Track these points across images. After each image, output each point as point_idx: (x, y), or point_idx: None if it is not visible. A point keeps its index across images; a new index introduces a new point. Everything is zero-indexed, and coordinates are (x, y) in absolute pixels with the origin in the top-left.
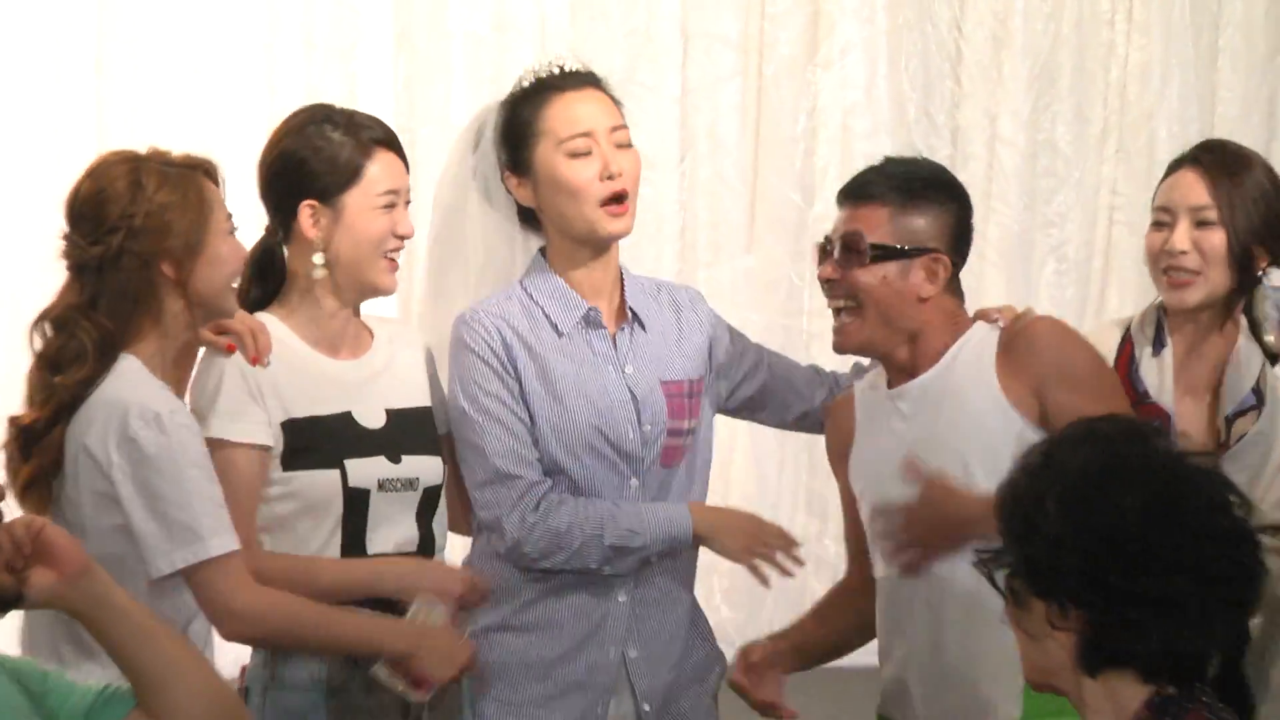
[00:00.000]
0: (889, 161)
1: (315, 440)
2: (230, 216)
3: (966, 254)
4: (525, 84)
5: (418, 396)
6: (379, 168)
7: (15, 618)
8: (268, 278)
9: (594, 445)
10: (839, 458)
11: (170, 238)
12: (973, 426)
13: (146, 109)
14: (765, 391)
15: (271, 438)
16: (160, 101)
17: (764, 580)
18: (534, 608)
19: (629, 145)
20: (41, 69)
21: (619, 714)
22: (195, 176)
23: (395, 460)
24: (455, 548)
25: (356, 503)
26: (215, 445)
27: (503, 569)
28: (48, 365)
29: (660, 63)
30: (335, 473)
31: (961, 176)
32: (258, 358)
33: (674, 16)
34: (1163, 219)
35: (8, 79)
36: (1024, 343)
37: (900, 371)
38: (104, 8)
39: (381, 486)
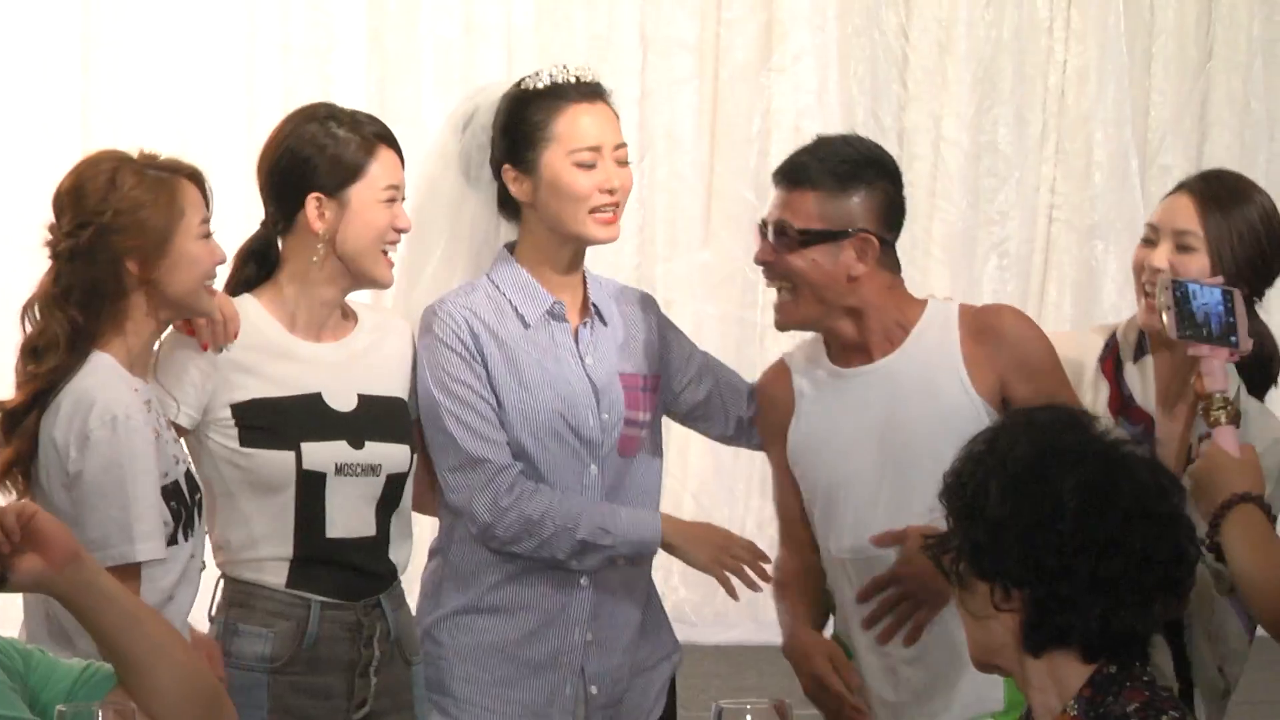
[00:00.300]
0: (820, 143)
1: (274, 421)
2: (206, 220)
3: (899, 229)
4: (540, 85)
5: (394, 385)
6: (381, 163)
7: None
8: (262, 264)
9: (557, 431)
10: (775, 434)
11: (137, 235)
12: (942, 412)
13: (129, 107)
14: (711, 397)
15: (191, 420)
16: (142, 100)
17: (731, 591)
18: (500, 590)
19: (626, 162)
20: (29, 70)
21: (566, 694)
22: (174, 180)
23: (357, 445)
24: (425, 530)
25: (312, 485)
26: None
27: (470, 553)
28: (27, 352)
29: (620, 66)
30: (290, 454)
31: (908, 176)
32: (208, 344)
33: (634, 22)
34: (1150, 236)
35: None
36: (992, 334)
37: (853, 350)
38: (89, 13)
39: (339, 470)
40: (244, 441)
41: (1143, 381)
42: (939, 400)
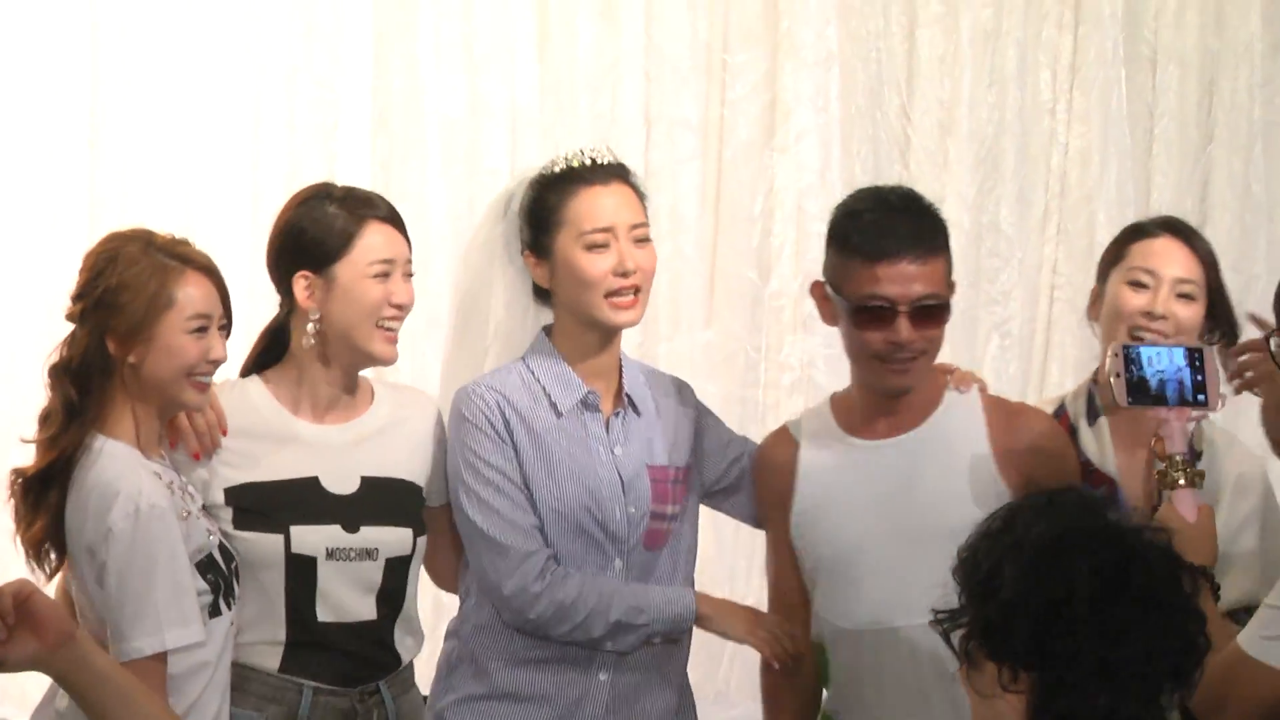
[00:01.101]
0: (903, 201)
1: (265, 504)
2: (204, 316)
3: None
4: (557, 169)
5: (406, 468)
6: (370, 238)
7: None
8: (274, 348)
9: (582, 524)
10: (776, 502)
11: (117, 315)
12: (966, 493)
13: (137, 184)
14: (743, 478)
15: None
16: (149, 177)
17: (772, 658)
18: (515, 677)
19: (647, 240)
20: (37, 147)
21: None
22: (176, 268)
23: (352, 530)
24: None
25: (302, 570)
26: None
27: (487, 637)
28: (40, 420)
29: (624, 145)
30: (279, 538)
31: None
32: (199, 454)
33: (638, 101)
34: (1143, 280)
35: (6, 156)
36: (1026, 430)
37: (881, 418)
38: (98, 89)
39: (331, 555)
40: (236, 524)
41: (1099, 444)
42: (964, 480)
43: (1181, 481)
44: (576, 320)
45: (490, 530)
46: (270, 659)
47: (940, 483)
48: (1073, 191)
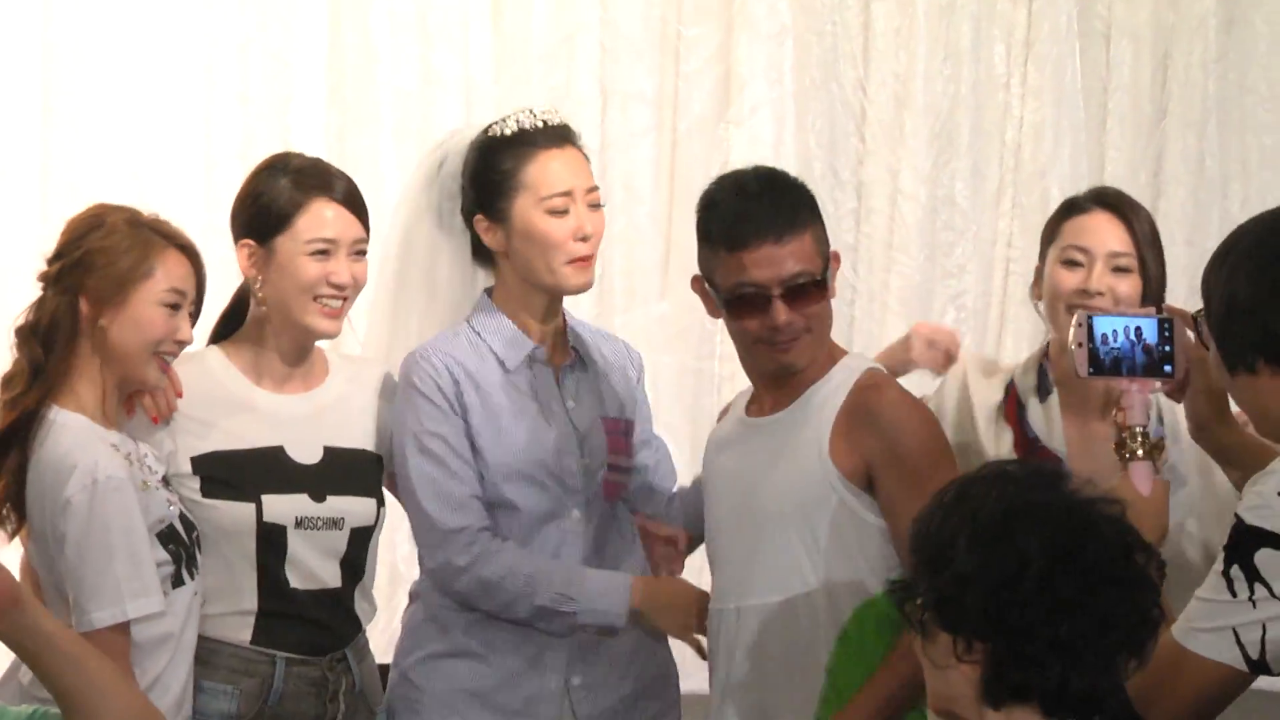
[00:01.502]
0: (761, 184)
1: (234, 473)
2: (179, 294)
3: None
4: (507, 132)
5: (363, 438)
6: (314, 216)
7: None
8: (238, 314)
9: (536, 477)
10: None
11: (96, 276)
12: (794, 475)
13: (89, 157)
14: (657, 466)
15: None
16: (102, 148)
17: (701, 653)
18: (475, 634)
19: (599, 205)
20: None
21: None
22: (159, 242)
23: (319, 499)
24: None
25: (272, 538)
26: None
27: (449, 598)
28: (4, 381)
29: (579, 118)
30: (250, 506)
31: (865, 229)
32: (157, 417)
33: (592, 74)
34: (1076, 258)
35: None
36: (867, 417)
37: (775, 395)
38: (49, 59)
39: (299, 524)
40: (204, 493)
41: (1047, 420)
42: (793, 463)
43: (1140, 454)
44: (526, 283)
45: (424, 501)
46: (240, 631)
47: (776, 466)
48: (1027, 166)
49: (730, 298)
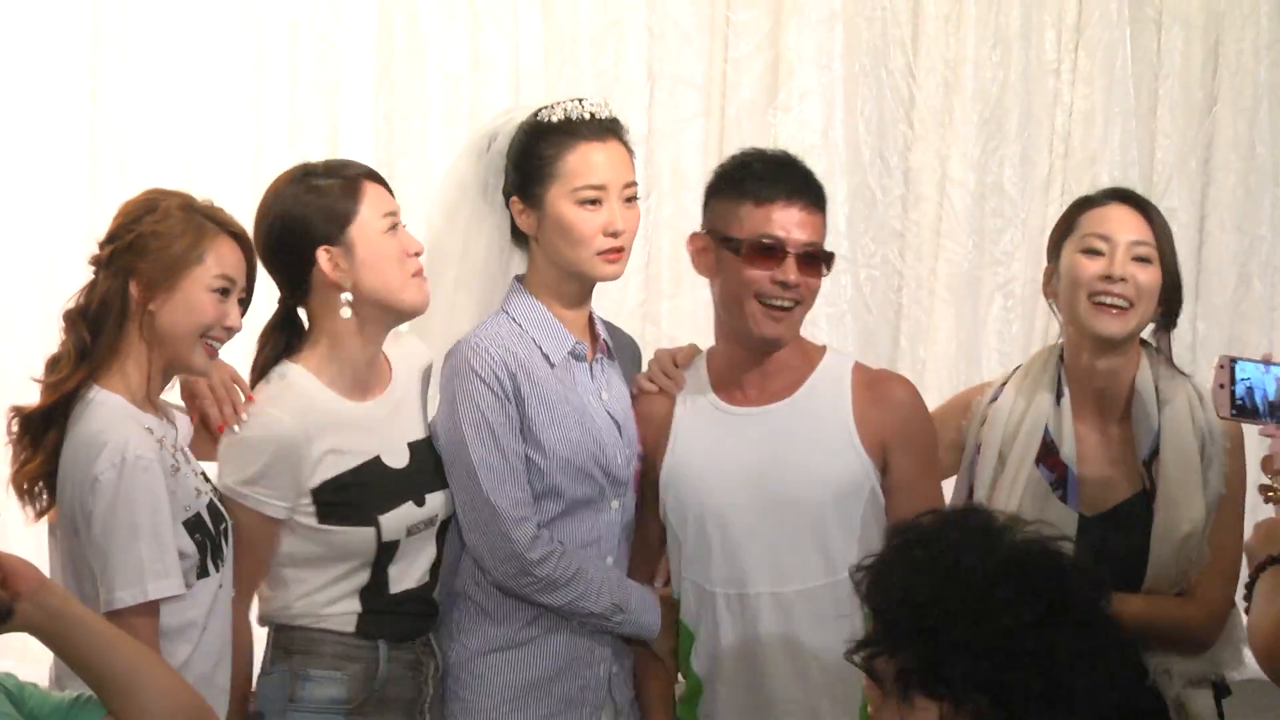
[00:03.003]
0: (785, 158)
1: (349, 496)
2: (228, 280)
3: None
4: (554, 119)
5: (425, 426)
6: (371, 198)
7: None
8: (287, 339)
9: (587, 469)
10: (650, 452)
11: (148, 259)
12: (829, 465)
13: (137, 139)
14: None
15: (285, 511)
16: (150, 132)
17: (674, 665)
18: (531, 627)
19: (635, 199)
20: (37, 101)
21: None
22: (212, 229)
23: (420, 503)
24: None
25: (387, 550)
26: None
27: (497, 592)
28: (48, 364)
29: (627, 103)
30: (370, 530)
31: (913, 216)
32: (223, 426)
33: (641, 59)
34: (1099, 247)
35: (7, 109)
36: (885, 400)
37: (754, 381)
38: (97, 45)
39: (410, 533)
40: (321, 517)
41: (1058, 424)
42: (827, 453)
43: None
44: (558, 270)
45: (489, 491)
46: (345, 624)
47: (806, 455)
48: (1076, 152)
49: (750, 244)
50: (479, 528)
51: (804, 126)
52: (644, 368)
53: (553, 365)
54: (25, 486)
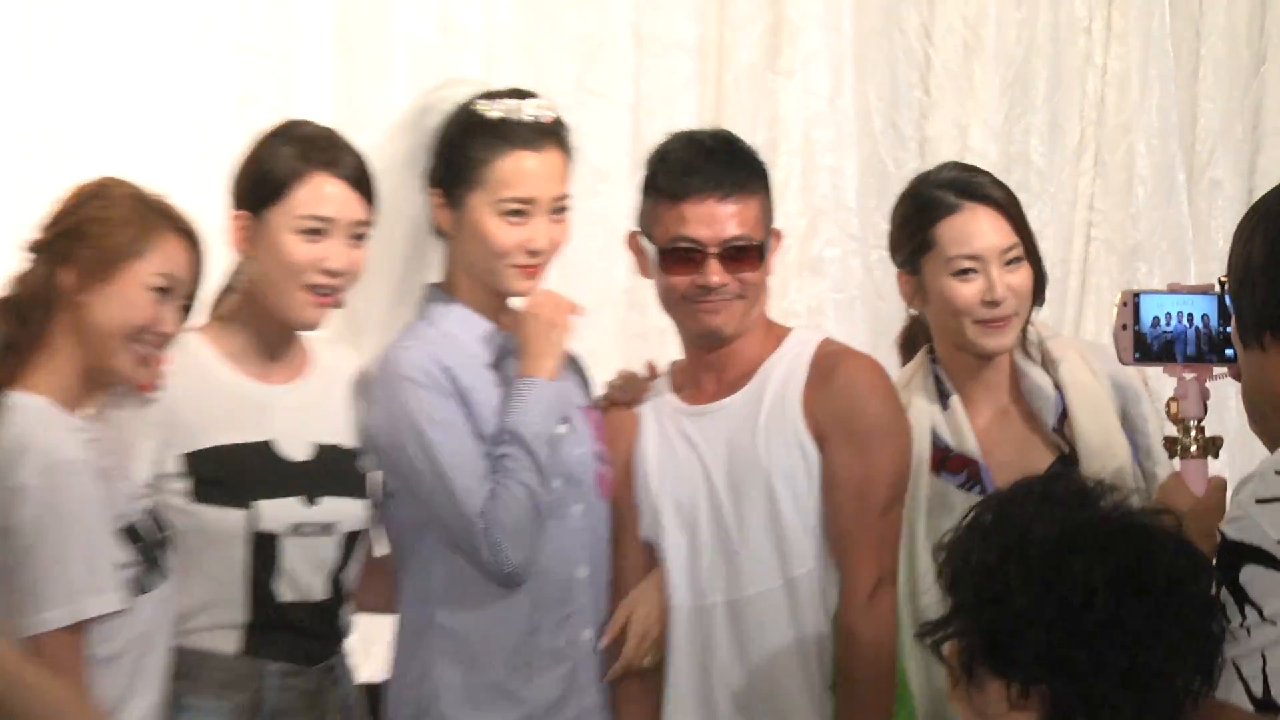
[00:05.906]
0: (713, 142)
1: (226, 472)
2: (169, 278)
3: None
4: (491, 115)
5: (347, 433)
6: (311, 190)
7: None
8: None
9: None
10: (620, 468)
11: (86, 246)
12: (780, 450)
13: (72, 111)
14: None
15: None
16: (87, 103)
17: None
18: (514, 665)
19: (564, 211)
20: None
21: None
22: (159, 224)
23: (312, 501)
24: None
25: (263, 546)
26: None
27: (474, 621)
28: None
29: (613, 69)
30: (242, 513)
31: None
32: (148, 385)
33: (628, 21)
34: (972, 267)
35: None
36: (829, 377)
37: (714, 376)
38: (31, 10)
39: (296, 531)
40: (194, 496)
41: (953, 425)
42: (777, 441)
43: (1194, 450)
44: (474, 278)
45: (463, 495)
46: (228, 642)
47: (758, 446)
48: (1110, 120)
49: (665, 250)
50: (458, 523)
51: (808, 93)
52: (586, 376)
53: (486, 363)
54: None
